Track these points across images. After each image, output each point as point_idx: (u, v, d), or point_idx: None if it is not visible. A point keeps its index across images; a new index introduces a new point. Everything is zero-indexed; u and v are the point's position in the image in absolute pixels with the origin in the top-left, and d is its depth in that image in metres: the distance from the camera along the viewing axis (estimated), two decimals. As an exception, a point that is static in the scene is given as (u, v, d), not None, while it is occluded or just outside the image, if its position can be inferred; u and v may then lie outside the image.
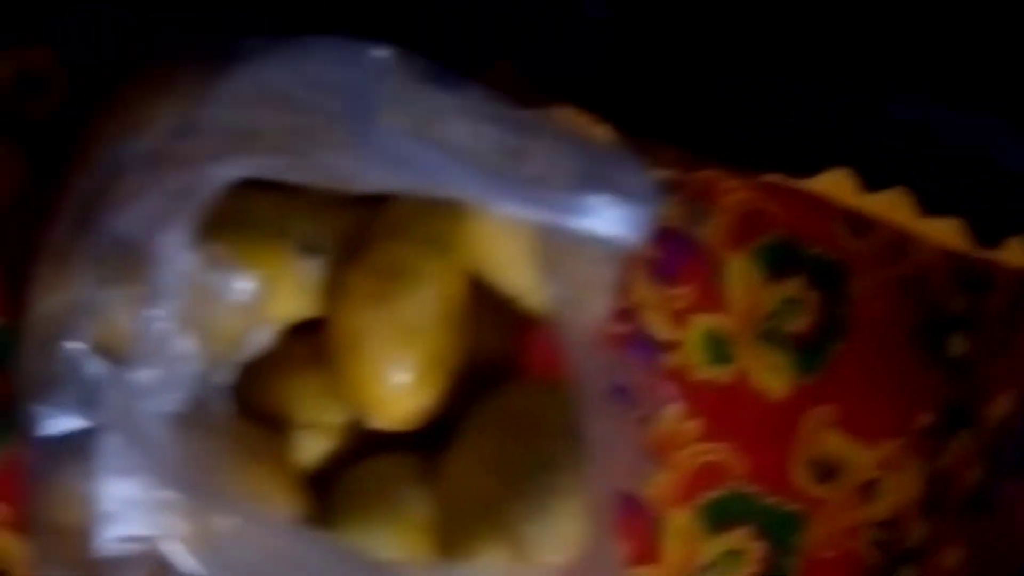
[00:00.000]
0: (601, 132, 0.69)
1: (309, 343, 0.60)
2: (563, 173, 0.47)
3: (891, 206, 0.73)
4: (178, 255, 0.45)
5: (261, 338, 0.54)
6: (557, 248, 0.50)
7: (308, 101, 0.45)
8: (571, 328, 0.52)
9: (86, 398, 0.50)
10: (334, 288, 0.58)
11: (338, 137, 0.44)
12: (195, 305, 0.48)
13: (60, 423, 0.51)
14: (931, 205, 0.73)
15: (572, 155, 0.48)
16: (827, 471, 0.73)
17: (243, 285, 0.50)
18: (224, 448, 0.50)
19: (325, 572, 0.48)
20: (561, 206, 0.48)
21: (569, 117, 0.66)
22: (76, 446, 0.52)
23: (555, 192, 0.47)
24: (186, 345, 0.49)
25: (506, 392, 0.62)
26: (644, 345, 0.71)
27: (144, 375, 0.47)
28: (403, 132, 0.45)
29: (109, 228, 0.47)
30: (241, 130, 0.45)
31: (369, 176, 0.45)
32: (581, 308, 0.54)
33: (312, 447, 0.60)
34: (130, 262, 0.46)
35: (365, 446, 0.61)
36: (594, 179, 0.48)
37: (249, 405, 0.59)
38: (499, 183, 0.46)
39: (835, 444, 0.73)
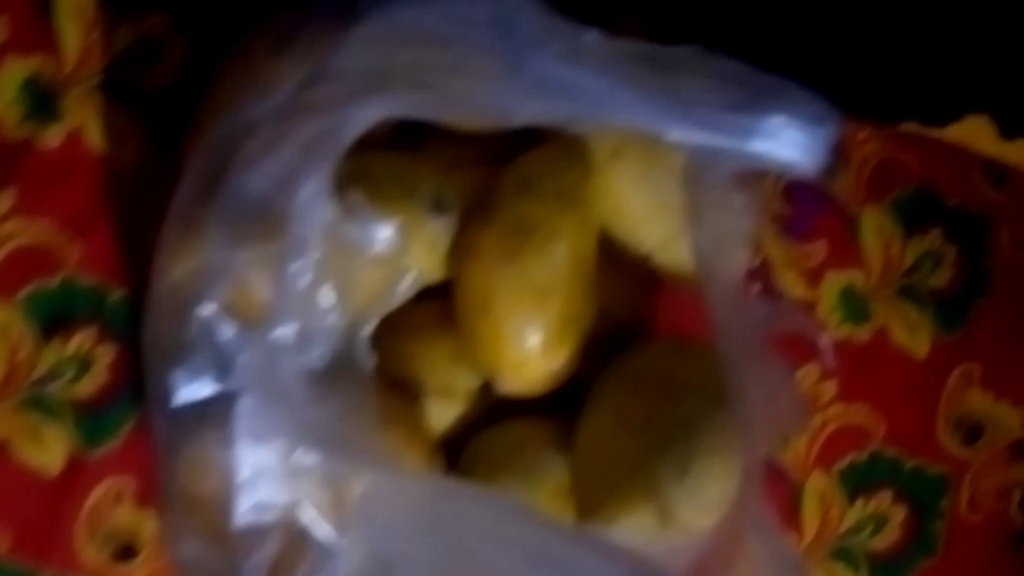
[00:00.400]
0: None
1: (439, 307, 0.58)
2: (730, 100, 0.45)
3: (1032, 153, 0.71)
4: (317, 205, 0.44)
5: (403, 289, 0.52)
6: (701, 197, 0.48)
7: (453, 35, 0.43)
8: (715, 279, 0.50)
9: (221, 362, 0.48)
10: (463, 248, 0.56)
11: (490, 69, 0.42)
12: (335, 257, 0.46)
13: (194, 390, 0.50)
14: (1075, 152, 0.70)
15: (735, 83, 0.45)
16: (972, 431, 0.70)
17: (383, 234, 0.49)
18: (362, 407, 0.48)
19: (473, 523, 0.46)
20: (736, 129, 0.45)
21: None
22: (210, 413, 0.51)
23: (729, 115, 0.45)
24: (327, 298, 0.47)
25: (641, 352, 0.60)
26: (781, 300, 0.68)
27: (282, 332, 0.45)
28: (561, 60, 0.43)
29: (239, 187, 0.46)
30: (379, 70, 0.43)
31: (526, 107, 0.43)
32: (724, 259, 0.51)
33: (443, 413, 0.59)
34: (262, 220, 0.45)
35: (496, 411, 0.60)
36: (762, 103, 0.45)
37: (381, 370, 0.57)
38: (669, 108, 0.44)
39: (980, 403, 0.70)
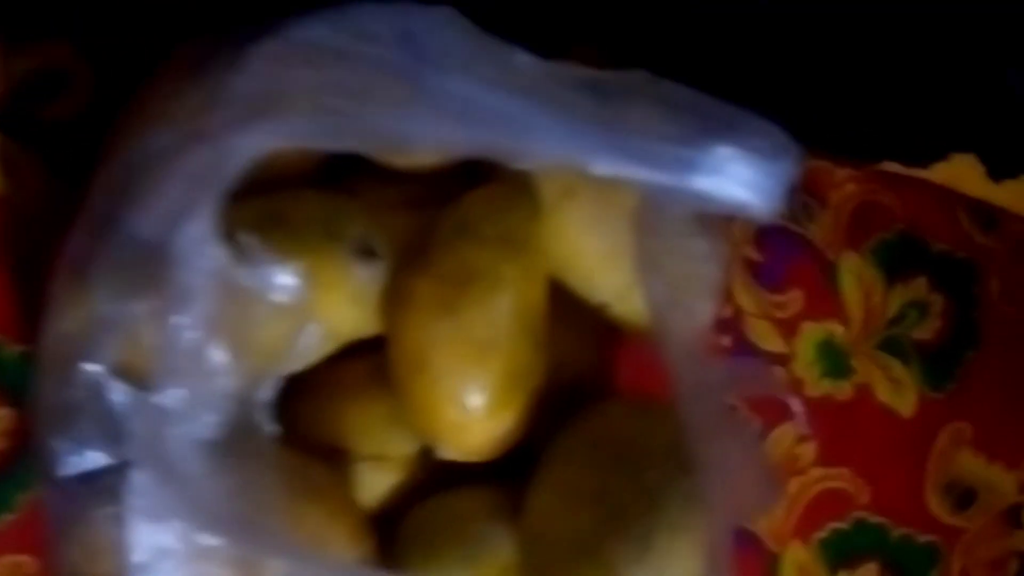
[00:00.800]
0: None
1: (371, 365, 0.53)
2: (674, 131, 0.40)
3: (1022, 196, 0.66)
4: (203, 248, 0.38)
5: (309, 344, 0.46)
6: (656, 242, 0.43)
7: (356, 53, 0.38)
8: (673, 335, 0.45)
9: (110, 429, 0.43)
10: (396, 299, 0.51)
11: (396, 91, 0.37)
12: (227, 308, 0.40)
13: (83, 460, 0.45)
14: (1069, 194, 0.66)
15: (683, 112, 0.40)
16: (964, 497, 0.65)
17: (283, 281, 0.43)
18: (271, 481, 0.43)
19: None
20: (677, 162, 0.40)
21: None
22: (103, 487, 0.46)
23: (669, 146, 0.40)
24: (218, 356, 0.41)
25: (597, 414, 0.55)
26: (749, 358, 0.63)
27: (171, 396, 0.40)
28: (479, 82, 0.38)
29: (130, 231, 0.41)
30: (271, 94, 0.38)
31: (434, 133, 0.38)
32: (684, 312, 0.46)
33: (376, 482, 0.54)
34: (154, 267, 0.40)
35: (436, 480, 0.55)
36: (710, 134, 0.40)
37: (303, 435, 0.52)
38: (598, 137, 0.39)
39: (971, 466, 0.65)
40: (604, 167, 0.39)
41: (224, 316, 0.40)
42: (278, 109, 0.37)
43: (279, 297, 0.43)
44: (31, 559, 0.55)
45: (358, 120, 0.37)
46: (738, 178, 0.41)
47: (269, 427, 0.45)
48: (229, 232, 0.41)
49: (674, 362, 0.45)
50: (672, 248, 0.46)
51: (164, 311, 0.39)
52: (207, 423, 0.41)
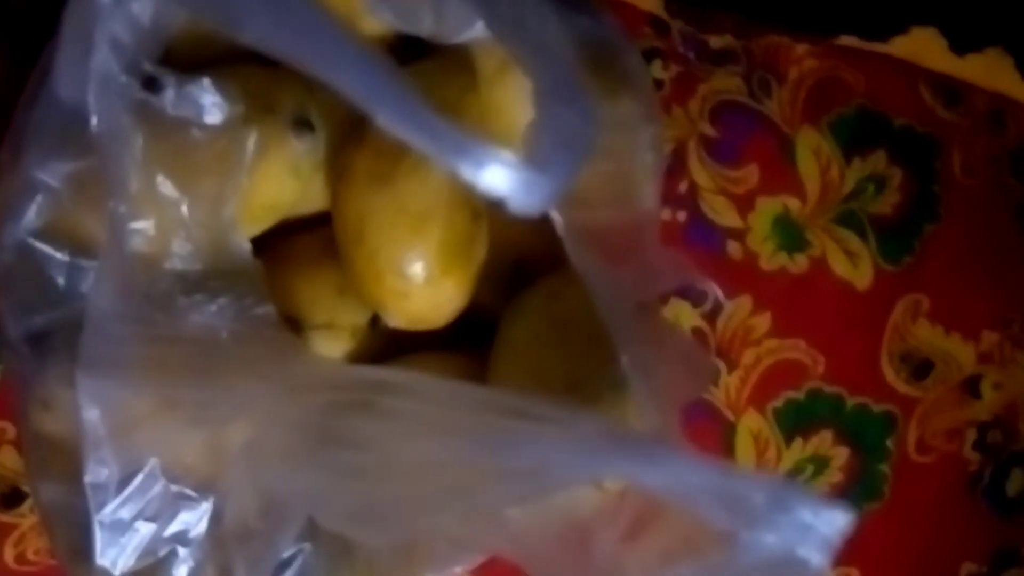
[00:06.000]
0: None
1: (321, 238, 0.55)
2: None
3: (986, 69, 0.66)
4: (115, 88, 0.39)
5: (249, 153, 0.45)
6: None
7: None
8: (573, 229, 0.45)
9: (49, 290, 0.45)
10: (335, 173, 0.53)
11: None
12: (163, 141, 0.41)
13: (28, 322, 0.47)
14: (1034, 67, 0.66)
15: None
16: (920, 368, 0.66)
17: (207, 100, 0.43)
18: (257, 294, 0.43)
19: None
20: (452, 148, 0.40)
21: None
22: (53, 347, 0.48)
23: (451, 128, 0.40)
24: (167, 188, 0.42)
25: (556, 293, 0.55)
26: (706, 233, 0.64)
27: (138, 233, 0.40)
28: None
29: (56, 95, 0.42)
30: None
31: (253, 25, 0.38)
32: (594, 213, 0.46)
33: (328, 350, 0.55)
34: (81, 126, 0.41)
35: (395, 348, 0.56)
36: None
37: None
38: (397, 97, 0.39)
39: (928, 337, 0.66)
40: (384, 123, 0.40)
41: (162, 149, 0.41)
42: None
43: (209, 117, 0.43)
44: (10, 424, 0.58)
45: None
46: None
47: (244, 244, 0.46)
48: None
49: (582, 272, 0.46)
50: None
51: (101, 159, 0.40)
52: (182, 254, 0.42)
